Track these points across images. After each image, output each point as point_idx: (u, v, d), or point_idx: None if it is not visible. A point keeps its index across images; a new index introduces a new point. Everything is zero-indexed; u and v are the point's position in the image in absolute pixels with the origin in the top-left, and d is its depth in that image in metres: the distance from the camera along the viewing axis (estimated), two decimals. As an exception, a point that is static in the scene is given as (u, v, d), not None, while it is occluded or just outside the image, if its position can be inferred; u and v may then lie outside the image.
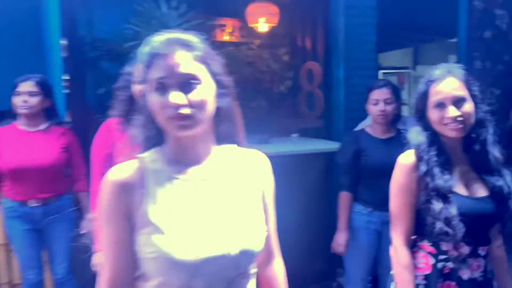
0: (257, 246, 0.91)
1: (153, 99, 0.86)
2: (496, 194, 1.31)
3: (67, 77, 2.43)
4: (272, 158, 1.18)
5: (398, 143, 2.08)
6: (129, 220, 0.86)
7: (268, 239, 0.97)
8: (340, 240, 2.14)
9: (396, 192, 1.38)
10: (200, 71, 0.86)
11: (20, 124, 2.13)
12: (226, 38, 3.20)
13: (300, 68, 3.37)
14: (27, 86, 2.07)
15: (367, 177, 2.14)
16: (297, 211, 2.52)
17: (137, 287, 0.91)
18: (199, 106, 0.85)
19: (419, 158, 1.33)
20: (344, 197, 2.16)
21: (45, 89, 2.12)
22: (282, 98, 3.41)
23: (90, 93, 2.33)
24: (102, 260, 0.93)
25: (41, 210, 2.13)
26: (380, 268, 2.25)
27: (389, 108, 2.10)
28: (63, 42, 2.41)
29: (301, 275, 1.24)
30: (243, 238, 0.88)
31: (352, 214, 2.17)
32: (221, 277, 0.86)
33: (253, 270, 0.94)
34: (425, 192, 1.31)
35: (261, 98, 3.24)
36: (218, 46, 2.59)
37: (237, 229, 0.88)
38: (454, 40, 4.32)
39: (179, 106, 0.83)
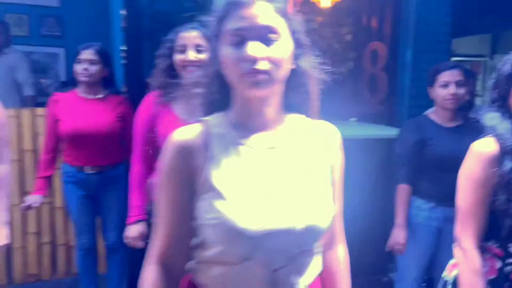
0: (324, 223, 0.83)
1: (227, 53, 0.79)
2: None
3: (125, 48, 2.44)
4: None
5: (467, 132, 1.89)
6: (190, 184, 0.81)
7: (334, 218, 0.89)
8: (399, 238, 1.96)
9: (470, 186, 1.20)
10: (280, 24, 0.79)
11: (80, 92, 2.19)
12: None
13: (363, 48, 3.17)
14: (87, 54, 2.11)
15: (431, 170, 1.97)
16: (351, 201, 2.39)
17: (192, 257, 0.86)
18: (277, 63, 0.78)
19: (503, 149, 1.15)
20: (403, 190, 1.99)
21: (104, 58, 2.16)
22: (343, 80, 3.24)
23: (147, 66, 2.33)
24: (155, 228, 0.89)
25: (96, 177, 2.20)
26: (436, 269, 2.06)
27: (461, 91, 1.90)
28: (123, 12, 2.41)
29: (351, 266, 1.16)
30: (310, 213, 0.81)
31: (411, 209, 2.01)
32: (283, 252, 0.80)
33: (318, 249, 0.87)
34: (506, 189, 1.13)
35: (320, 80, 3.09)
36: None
37: (304, 203, 0.81)
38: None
39: (256, 60, 0.76)
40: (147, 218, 1.68)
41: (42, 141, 2.43)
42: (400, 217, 1.99)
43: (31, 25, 3.95)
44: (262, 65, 0.76)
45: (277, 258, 0.80)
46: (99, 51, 2.14)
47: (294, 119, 0.89)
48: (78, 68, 2.12)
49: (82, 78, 2.13)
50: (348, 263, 1.01)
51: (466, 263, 1.20)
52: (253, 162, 0.83)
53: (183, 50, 1.62)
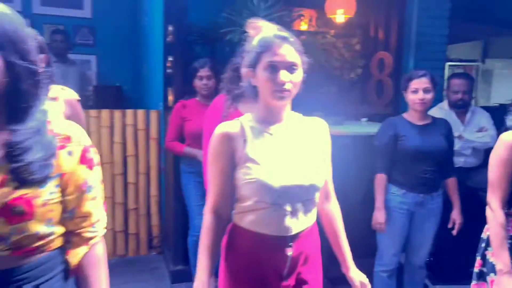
0: (319, 182, 1.29)
1: (264, 75, 1.22)
2: None
3: (171, 59, 2.83)
4: (346, 137, 1.47)
5: (434, 130, 2.27)
6: (231, 159, 1.25)
7: (326, 181, 1.36)
8: (380, 219, 2.26)
9: (496, 164, 1.60)
10: (298, 60, 1.23)
11: (199, 99, 2.62)
12: (303, 27, 3.47)
13: (371, 57, 3.58)
14: (205, 71, 2.53)
15: (403, 161, 2.27)
16: (362, 187, 2.76)
17: (233, 208, 1.31)
18: (296, 84, 1.23)
19: None
20: (380, 178, 2.29)
21: (215, 72, 2.52)
22: (352, 84, 3.64)
23: (189, 73, 2.72)
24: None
25: None
26: (410, 246, 2.40)
27: (428, 96, 2.22)
28: (170, 28, 2.80)
29: (360, 247, 1.51)
30: (311, 175, 1.27)
31: (387, 195, 2.30)
32: (297, 198, 1.25)
33: (317, 198, 1.33)
34: None
35: (332, 84, 3.49)
36: (296, 34, 2.88)
37: (307, 170, 1.27)
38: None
39: (284, 83, 1.19)
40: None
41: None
42: (379, 201, 2.27)
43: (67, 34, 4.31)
44: (287, 86, 1.20)
45: (294, 201, 1.24)
46: (212, 67, 2.54)
47: (295, 115, 1.33)
48: (199, 83, 2.55)
49: (203, 92, 2.56)
50: (339, 212, 1.45)
51: (494, 218, 1.60)
52: (274, 142, 1.25)
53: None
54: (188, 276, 2.85)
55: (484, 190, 2.59)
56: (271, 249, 1.26)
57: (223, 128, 1.28)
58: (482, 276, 1.69)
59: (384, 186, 2.30)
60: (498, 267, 1.56)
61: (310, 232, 1.33)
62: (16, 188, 0.84)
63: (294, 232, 1.26)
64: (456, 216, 2.35)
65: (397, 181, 2.31)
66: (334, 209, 1.43)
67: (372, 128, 3.02)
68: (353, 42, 3.63)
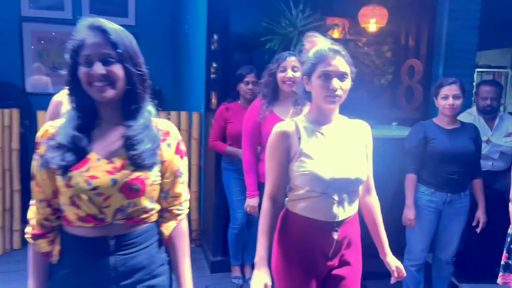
0: (363, 177, 1.49)
1: (318, 83, 1.42)
2: None
3: (215, 65, 3.07)
4: (377, 140, 1.66)
5: (462, 134, 2.41)
6: (287, 154, 1.46)
7: (368, 177, 1.56)
8: (410, 216, 2.42)
9: None
10: (348, 70, 1.44)
11: (241, 103, 2.84)
12: (336, 35, 3.65)
13: (401, 64, 3.73)
14: (251, 76, 2.76)
15: (432, 162, 2.42)
16: (392, 187, 2.90)
17: (286, 196, 1.52)
18: (346, 91, 1.44)
19: None
20: (411, 178, 2.45)
21: (259, 78, 2.70)
22: (383, 90, 3.80)
23: (233, 77, 2.96)
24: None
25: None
26: (438, 243, 2.55)
27: (457, 102, 2.37)
28: (215, 37, 3.04)
29: (391, 244, 1.68)
30: (356, 170, 1.47)
31: (416, 194, 2.45)
32: (344, 189, 1.45)
33: (360, 191, 1.53)
34: None
35: (364, 89, 3.66)
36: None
37: (353, 165, 1.47)
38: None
39: (336, 89, 1.39)
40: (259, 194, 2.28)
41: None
42: (409, 200, 2.44)
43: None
44: (338, 92, 1.41)
45: (341, 192, 1.44)
46: (257, 74, 2.74)
47: (342, 118, 1.54)
48: (245, 88, 2.78)
49: (248, 96, 2.79)
50: (379, 204, 1.64)
51: None
52: (324, 141, 1.46)
53: (284, 70, 2.23)
54: (226, 266, 3.08)
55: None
56: (319, 232, 1.46)
57: (280, 127, 1.49)
58: (508, 268, 1.84)
59: (414, 185, 2.46)
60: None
61: (353, 220, 1.53)
62: (133, 171, 1.08)
63: (340, 218, 1.46)
64: (480, 215, 2.48)
65: (426, 181, 2.46)
66: (374, 202, 1.62)
67: (402, 132, 3.18)
68: (384, 50, 3.79)
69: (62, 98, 1.99)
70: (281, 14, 3.14)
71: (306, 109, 2.28)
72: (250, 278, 2.92)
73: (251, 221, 2.92)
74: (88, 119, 1.10)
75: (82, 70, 1.05)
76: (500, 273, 1.87)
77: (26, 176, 3.48)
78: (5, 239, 3.32)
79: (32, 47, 4.41)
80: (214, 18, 3.16)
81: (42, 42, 4.44)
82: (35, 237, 1.12)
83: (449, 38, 3.55)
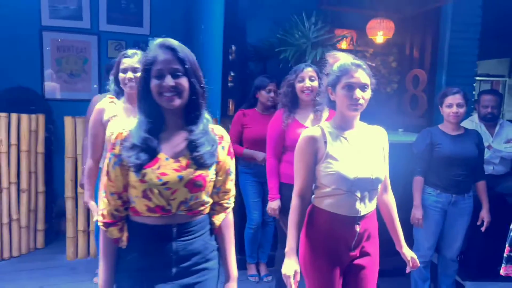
0: (382, 176, 1.68)
1: (343, 93, 1.60)
2: None
3: (233, 74, 3.26)
4: None
5: (466, 139, 2.60)
6: (315, 156, 1.63)
7: (385, 177, 1.75)
8: (417, 215, 2.61)
9: None
10: (368, 82, 1.62)
11: (258, 109, 3.03)
12: (344, 46, 3.85)
13: (406, 73, 3.93)
14: (273, 85, 2.95)
15: (438, 166, 2.60)
16: (399, 189, 3.07)
17: (313, 193, 1.70)
18: (366, 100, 1.62)
19: None
20: (418, 180, 2.64)
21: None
22: (389, 98, 3.99)
23: (249, 85, 3.15)
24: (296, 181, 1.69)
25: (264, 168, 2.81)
26: (443, 241, 2.73)
27: (461, 110, 2.56)
28: (233, 47, 3.23)
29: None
30: (376, 171, 1.65)
31: (423, 195, 2.64)
32: (365, 187, 1.63)
33: (379, 190, 1.71)
34: None
35: (371, 98, 3.85)
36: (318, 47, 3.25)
37: (373, 166, 1.65)
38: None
39: (358, 98, 1.57)
40: (280, 197, 2.46)
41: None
42: (417, 200, 2.62)
43: (128, 49, 4.82)
44: (360, 101, 1.59)
45: (363, 189, 1.62)
46: (277, 83, 2.88)
47: (363, 124, 1.72)
48: (267, 95, 2.95)
49: (268, 103, 2.98)
50: (394, 202, 1.82)
51: None
52: (348, 144, 1.64)
53: (302, 80, 2.42)
54: (242, 264, 3.23)
55: (511, 195, 2.91)
56: (343, 225, 1.64)
57: (308, 132, 1.67)
58: (510, 260, 2.01)
59: (421, 187, 2.65)
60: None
61: (372, 215, 1.71)
62: (196, 169, 1.26)
63: (361, 214, 1.64)
64: (485, 214, 2.67)
65: (432, 182, 2.65)
66: (391, 199, 1.80)
67: (408, 137, 3.37)
68: (389, 60, 3.99)
69: (105, 106, 2.17)
70: (294, 26, 3.34)
71: (325, 114, 2.47)
72: (265, 275, 3.13)
73: (266, 222, 3.10)
74: (156, 124, 1.28)
75: (154, 82, 1.23)
76: (503, 265, 2.04)
77: (49, 178, 3.67)
78: (30, 239, 3.48)
79: (52, 55, 4.59)
80: (231, 30, 3.36)
81: (61, 50, 4.62)
82: (106, 225, 1.30)
83: (451, 49, 3.76)
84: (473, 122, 3.28)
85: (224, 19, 3.43)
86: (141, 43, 4.77)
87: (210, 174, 1.30)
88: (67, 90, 4.68)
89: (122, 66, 2.15)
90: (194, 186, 1.26)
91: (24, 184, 3.36)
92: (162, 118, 1.29)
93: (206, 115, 1.33)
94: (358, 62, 1.64)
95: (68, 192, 3.36)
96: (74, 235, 3.41)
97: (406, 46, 3.97)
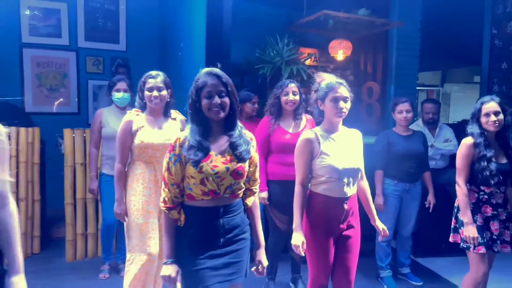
0: (361, 167, 2.21)
1: (330, 104, 2.11)
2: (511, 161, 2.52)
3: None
4: None
5: (415, 139, 3.26)
6: (311, 154, 2.13)
7: (362, 167, 2.26)
8: (379, 201, 3.20)
9: (461, 157, 2.55)
10: (349, 95, 2.14)
11: (242, 119, 3.39)
12: (308, 62, 4.43)
13: (361, 85, 4.58)
14: (256, 98, 3.41)
15: (394, 161, 3.23)
16: None
17: (310, 181, 2.19)
18: (347, 109, 2.14)
19: (475, 141, 2.51)
20: (379, 174, 3.26)
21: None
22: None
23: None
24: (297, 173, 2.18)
25: None
26: (400, 222, 3.36)
27: (409, 115, 3.21)
28: (219, 65, 3.67)
29: (365, 225, 2.44)
30: (357, 163, 2.18)
31: (384, 185, 3.25)
32: (350, 175, 2.14)
33: (359, 177, 2.22)
34: (477, 158, 2.49)
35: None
36: (304, 68, 3.82)
37: (355, 159, 2.17)
38: (475, 66, 5.46)
39: (342, 108, 2.10)
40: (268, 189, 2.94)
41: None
42: (378, 189, 3.22)
43: (105, 64, 5.09)
44: (344, 110, 2.10)
45: (347, 178, 2.12)
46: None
47: (344, 128, 2.24)
48: (252, 107, 3.39)
49: (253, 113, 3.43)
50: (368, 186, 2.35)
51: (461, 191, 2.53)
52: (335, 144, 2.14)
53: (286, 94, 2.92)
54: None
55: (450, 185, 3.61)
56: (335, 205, 2.15)
57: (305, 136, 2.16)
58: (456, 230, 2.62)
59: (382, 179, 3.25)
60: (464, 220, 2.50)
61: (355, 196, 2.24)
62: (237, 162, 1.71)
63: (348, 195, 2.16)
64: (431, 198, 3.32)
65: (391, 174, 3.26)
66: (366, 185, 2.34)
67: (367, 139, 3.98)
68: (347, 74, 4.63)
69: (132, 118, 2.52)
70: (269, 46, 3.87)
71: (303, 122, 2.99)
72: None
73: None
74: (205, 131, 1.71)
75: (205, 101, 1.67)
76: (451, 234, 2.66)
77: (43, 187, 3.88)
78: (27, 245, 3.67)
79: (32, 70, 4.77)
80: (213, 49, 3.81)
81: (41, 66, 4.82)
82: (168, 209, 1.71)
83: (398, 65, 4.46)
84: (418, 126, 3.95)
85: (206, 39, 3.87)
86: (118, 59, 5.15)
87: (246, 166, 1.76)
88: (48, 104, 4.88)
89: (148, 86, 2.51)
90: (237, 174, 1.72)
91: (22, 193, 3.57)
92: (209, 126, 1.73)
93: (239, 123, 1.79)
94: (340, 80, 2.17)
95: (68, 198, 3.61)
96: (73, 238, 3.66)
97: (361, 62, 4.63)
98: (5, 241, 1.40)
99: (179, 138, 1.72)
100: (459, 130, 3.99)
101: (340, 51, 4.13)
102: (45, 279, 3.27)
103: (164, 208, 1.72)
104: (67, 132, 3.56)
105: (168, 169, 1.71)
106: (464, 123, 3.00)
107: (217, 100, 1.67)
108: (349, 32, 4.26)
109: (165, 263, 1.71)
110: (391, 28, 4.29)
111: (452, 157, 3.93)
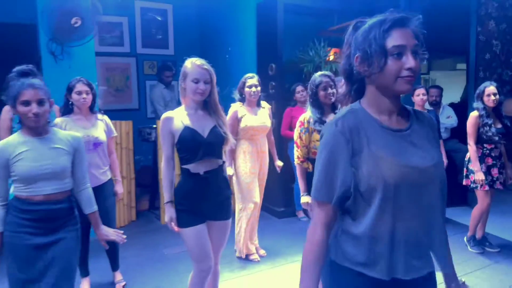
0: None
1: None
2: (507, 126, 3.62)
3: (274, 83, 4.71)
4: None
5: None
6: None
7: None
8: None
9: (470, 125, 3.61)
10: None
11: (299, 106, 4.42)
12: (331, 58, 5.47)
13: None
14: (301, 89, 4.41)
15: None
16: None
17: None
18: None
19: (480, 113, 3.58)
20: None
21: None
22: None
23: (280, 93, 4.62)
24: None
25: None
26: None
27: (424, 98, 4.16)
28: (273, 65, 4.68)
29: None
30: None
31: None
32: None
33: None
34: (482, 125, 3.57)
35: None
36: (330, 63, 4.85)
37: None
38: (460, 56, 6.62)
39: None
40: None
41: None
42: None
43: (158, 67, 6.01)
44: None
45: None
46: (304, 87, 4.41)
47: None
48: (299, 96, 4.37)
49: (302, 99, 4.37)
50: None
51: (471, 149, 3.60)
52: None
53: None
54: (289, 213, 4.71)
55: (453, 151, 4.71)
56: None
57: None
58: (467, 177, 3.72)
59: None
60: (474, 169, 3.60)
61: None
62: None
63: None
64: (444, 158, 4.41)
65: None
66: None
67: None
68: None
69: (237, 109, 3.50)
70: (309, 48, 4.88)
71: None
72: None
73: None
74: (321, 111, 2.73)
75: (321, 93, 2.69)
76: (464, 179, 3.75)
77: (136, 168, 4.81)
78: (129, 213, 4.62)
79: (102, 75, 5.67)
80: (263, 52, 4.81)
81: (109, 70, 5.71)
82: (301, 162, 2.73)
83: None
84: (425, 107, 5.06)
85: (257, 44, 4.89)
86: (168, 62, 6.08)
87: None
88: (114, 102, 5.77)
89: (248, 84, 3.49)
90: None
91: (124, 173, 4.51)
92: (323, 108, 2.75)
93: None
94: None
95: (161, 175, 4.56)
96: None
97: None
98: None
99: (306, 117, 2.73)
100: (455, 109, 5.14)
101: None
102: (146, 237, 4.23)
103: (298, 162, 2.74)
104: (158, 123, 4.50)
105: (300, 137, 2.73)
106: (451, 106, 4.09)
107: (330, 91, 2.69)
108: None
109: (301, 195, 2.73)
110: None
111: (453, 130, 5.09)
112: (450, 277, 1.27)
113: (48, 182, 1.87)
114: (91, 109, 2.95)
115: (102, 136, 2.96)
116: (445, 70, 10.61)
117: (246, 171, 3.51)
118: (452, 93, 7.60)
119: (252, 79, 3.52)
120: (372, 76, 1.15)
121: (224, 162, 2.37)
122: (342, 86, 1.34)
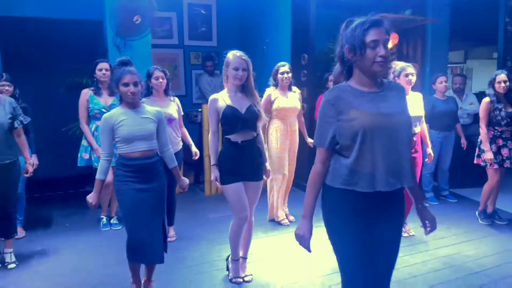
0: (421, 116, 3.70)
1: (404, 79, 3.63)
2: None
3: (306, 72, 5.22)
4: None
5: (449, 102, 4.74)
6: None
7: None
8: (429, 151, 4.79)
9: (483, 110, 4.01)
10: (414, 71, 3.63)
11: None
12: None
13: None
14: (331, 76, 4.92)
15: (437, 117, 4.79)
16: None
17: None
18: (414, 81, 3.64)
19: (491, 99, 3.97)
20: (427, 126, 4.83)
21: None
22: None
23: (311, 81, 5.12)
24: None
25: None
26: (440, 160, 4.88)
27: (447, 85, 4.70)
28: (305, 55, 5.19)
29: None
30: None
31: (432, 136, 4.67)
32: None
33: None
34: (493, 109, 3.96)
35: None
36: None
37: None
38: (493, 45, 6.82)
39: (411, 80, 3.61)
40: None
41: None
42: (426, 139, 4.82)
43: (202, 57, 6.65)
44: (413, 81, 3.60)
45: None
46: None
47: (411, 92, 3.74)
48: (330, 84, 4.90)
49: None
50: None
51: (482, 131, 3.99)
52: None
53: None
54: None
55: (474, 135, 5.06)
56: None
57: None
58: (479, 156, 4.11)
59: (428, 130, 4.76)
60: (485, 149, 3.99)
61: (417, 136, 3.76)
62: None
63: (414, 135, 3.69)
64: (463, 140, 4.81)
65: (437, 127, 4.74)
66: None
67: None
68: (393, 58, 6.07)
69: (271, 92, 4.06)
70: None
71: None
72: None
73: None
74: None
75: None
76: (475, 159, 4.14)
77: (184, 147, 5.52)
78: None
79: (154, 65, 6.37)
80: (297, 43, 5.33)
81: (160, 61, 6.42)
82: None
83: (432, 49, 5.87)
84: (450, 94, 5.40)
85: (292, 36, 5.41)
86: (211, 53, 6.71)
87: None
88: (164, 89, 6.48)
89: (280, 70, 4.05)
90: None
91: (206, 151, 5.15)
92: None
93: None
94: (408, 64, 3.64)
95: (206, 151, 5.21)
96: (208, 179, 5.29)
97: (403, 48, 6.05)
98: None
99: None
100: (480, 98, 5.45)
101: (390, 40, 5.55)
102: (194, 205, 4.91)
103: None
104: (205, 107, 5.16)
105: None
106: (482, 93, 4.44)
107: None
108: (396, 26, 5.68)
109: None
110: (427, 23, 5.69)
111: (476, 115, 5.41)
112: (414, 190, 1.80)
113: (141, 142, 2.52)
114: (166, 92, 3.65)
115: (175, 114, 3.71)
116: (482, 59, 10.65)
117: (277, 146, 4.08)
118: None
119: (284, 67, 4.07)
120: (357, 61, 1.64)
121: (258, 134, 2.95)
122: (337, 68, 1.85)
